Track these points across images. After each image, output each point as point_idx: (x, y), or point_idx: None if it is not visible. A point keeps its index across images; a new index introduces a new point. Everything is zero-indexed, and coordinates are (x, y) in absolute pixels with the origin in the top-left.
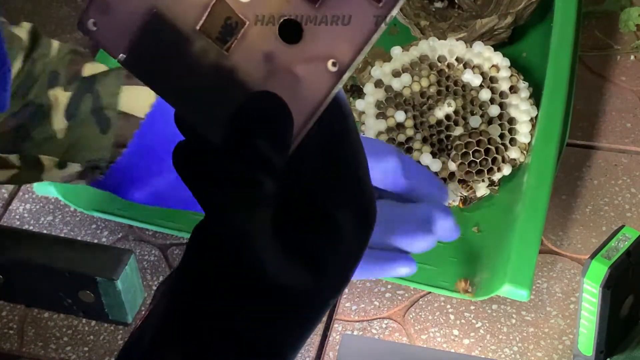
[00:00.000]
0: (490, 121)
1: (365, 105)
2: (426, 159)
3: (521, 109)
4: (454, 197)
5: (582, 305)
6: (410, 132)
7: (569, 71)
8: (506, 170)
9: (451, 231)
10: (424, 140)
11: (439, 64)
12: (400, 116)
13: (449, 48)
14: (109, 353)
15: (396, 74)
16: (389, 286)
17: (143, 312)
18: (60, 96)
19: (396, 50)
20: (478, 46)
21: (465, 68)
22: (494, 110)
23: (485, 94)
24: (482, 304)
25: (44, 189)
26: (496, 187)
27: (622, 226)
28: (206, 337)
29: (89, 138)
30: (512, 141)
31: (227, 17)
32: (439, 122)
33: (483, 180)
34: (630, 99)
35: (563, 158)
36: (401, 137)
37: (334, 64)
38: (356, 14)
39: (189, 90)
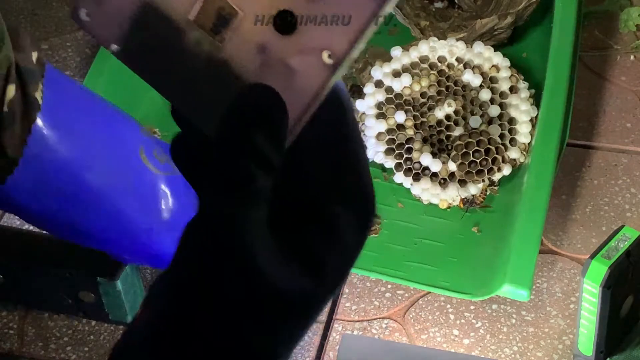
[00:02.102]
0: (490, 121)
1: (365, 106)
2: (426, 159)
3: (521, 109)
4: (454, 197)
5: (582, 305)
6: (410, 132)
7: (569, 71)
8: (506, 170)
9: None
10: (424, 141)
11: (439, 64)
12: (400, 117)
13: (449, 48)
14: (109, 353)
15: (396, 74)
16: (389, 286)
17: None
18: None
19: (396, 51)
20: (478, 46)
21: (465, 68)
22: (494, 111)
23: (485, 94)
24: (482, 304)
25: None
26: (496, 187)
27: (622, 226)
28: (199, 337)
29: None
30: (512, 141)
31: (220, 8)
32: (439, 123)
33: (483, 180)
34: (630, 99)
35: (563, 158)
36: (401, 138)
37: (329, 56)
38: (352, 4)
39: (182, 82)
